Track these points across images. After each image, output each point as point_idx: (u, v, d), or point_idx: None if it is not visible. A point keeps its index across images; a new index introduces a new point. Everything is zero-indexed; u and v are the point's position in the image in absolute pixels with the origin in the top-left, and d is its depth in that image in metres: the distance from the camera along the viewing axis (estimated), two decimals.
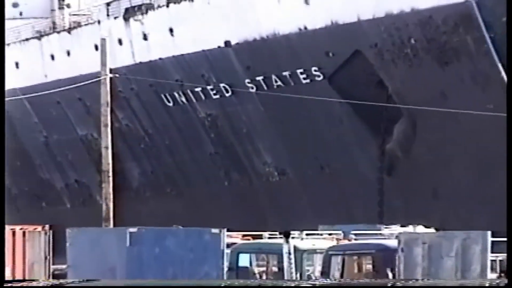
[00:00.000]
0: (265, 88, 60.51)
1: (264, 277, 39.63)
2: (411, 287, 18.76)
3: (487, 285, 18.20)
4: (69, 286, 18.94)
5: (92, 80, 59.26)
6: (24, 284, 21.04)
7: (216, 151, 59.60)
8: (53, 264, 48.18)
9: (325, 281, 22.10)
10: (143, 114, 60.93)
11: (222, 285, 19.15)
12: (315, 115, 58.17)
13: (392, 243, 35.54)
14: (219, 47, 60.69)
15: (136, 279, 21.81)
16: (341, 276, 37.09)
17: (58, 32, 67.75)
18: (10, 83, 67.99)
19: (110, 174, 55.88)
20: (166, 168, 59.46)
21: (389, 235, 39.57)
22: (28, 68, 66.31)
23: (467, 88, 55.14)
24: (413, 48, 57.04)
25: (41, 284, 21.07)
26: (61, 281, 21.39)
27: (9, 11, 73.16)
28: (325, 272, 36.62)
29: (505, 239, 35.43)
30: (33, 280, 23.34)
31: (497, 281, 20.45)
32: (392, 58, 57.66)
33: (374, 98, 57.46)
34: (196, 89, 61.38)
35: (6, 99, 67.60)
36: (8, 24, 71.03)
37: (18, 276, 48.70)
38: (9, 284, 19.86)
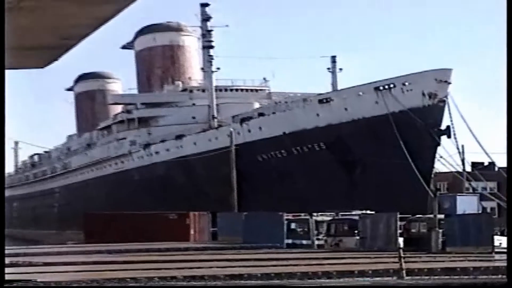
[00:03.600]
0: (301, 151, 59.35)
1: (301, 233, 38.91)
2: (415, 286, 16.49)
3: (487, 284, 16.11)
4: (67, 286, 15.96)
5: (227, 150, 59.22)
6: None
7: (279, 179, 58.41)
8: (211, 228, 47.06)
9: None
10: (249, 164, 59.38)
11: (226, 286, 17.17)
12: (322, 163, 57.32)
13: (356, 217, 36.76)
14: (280, 135, 59.91)
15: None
16: (335, 232, 37.01)
17: (212, 129, 67.03)
18: (190, 151, 67.17)
19: (235, 190, 56.09)
20: (258, 188, 57.61)
21: (355, 214, 39.34)
22: (200, 144, 65.08)
23: (387, 151, 53.80)
24: (362, 137, 55.97)
25: (41, 285, 16.30)
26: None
27: (189, 119, 72.45)
28: (328, 230, 37.19)
29: (404, 215, 34.94)
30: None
31: (497, 281, 16.75)
32: (355, 140, 56.45)
33: (346, 157, 56.97)
34: (271, 153, 60.60)
35: (192, 158, 66.88)
36: (188, 126, 70.51)
37: (197, 233, 47.33)
38: (9, 285, 14.35)
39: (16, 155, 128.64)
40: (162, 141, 71.85)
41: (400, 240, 31.51)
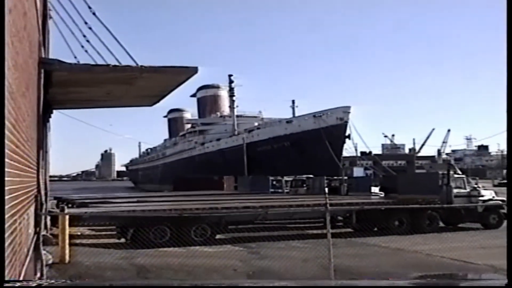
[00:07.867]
0: (278, 146, 57.45)
1: (278, 186, 32.43)
2: (416, 286, 5.56)
3: (487, 285, 5.13)
4: (70, 286, 4.43)
5: (242, 145, 57.15)
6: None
7: (267, 160, 54.42)
8: (234, 184, 42.35)
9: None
10: (252, 152, 57.11)
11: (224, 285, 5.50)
12: (288, 152, 55.77)
13: (305, 178, 32.36)
14: (268, 138, 58.58)
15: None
16: (294, 185, 30.76)
17: (234, 135, 65.53)
18: (224, 146, 64.57)
19: (246, 165, 53.90)
20: (257, 164, 53.91)
21: (304, 177, 32.86)
22: (229, 143, 63.58)
23: (320, 146, 52.58)
24: (307, 139, 55.05)
25: (43, 284, 3.58)
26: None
27: (223, 131, 70.11)
28: (291, 185, 31.64)
29: (328, 177, 30.22)
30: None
31: (497, 282, 4.76)
32: (304, 141, 54.87)
33: (301, 149, 55.18)
34: (263, 147, 58.50)
35: (225, 150, 63.22)
36: (223, 134, 68.40)
37: (228, 187, 41.15)
38: (9, 284, 3.56)
39: (139, 149, 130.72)
40: (210, 141, 71.11)
41: (326, 189, 31.03)
